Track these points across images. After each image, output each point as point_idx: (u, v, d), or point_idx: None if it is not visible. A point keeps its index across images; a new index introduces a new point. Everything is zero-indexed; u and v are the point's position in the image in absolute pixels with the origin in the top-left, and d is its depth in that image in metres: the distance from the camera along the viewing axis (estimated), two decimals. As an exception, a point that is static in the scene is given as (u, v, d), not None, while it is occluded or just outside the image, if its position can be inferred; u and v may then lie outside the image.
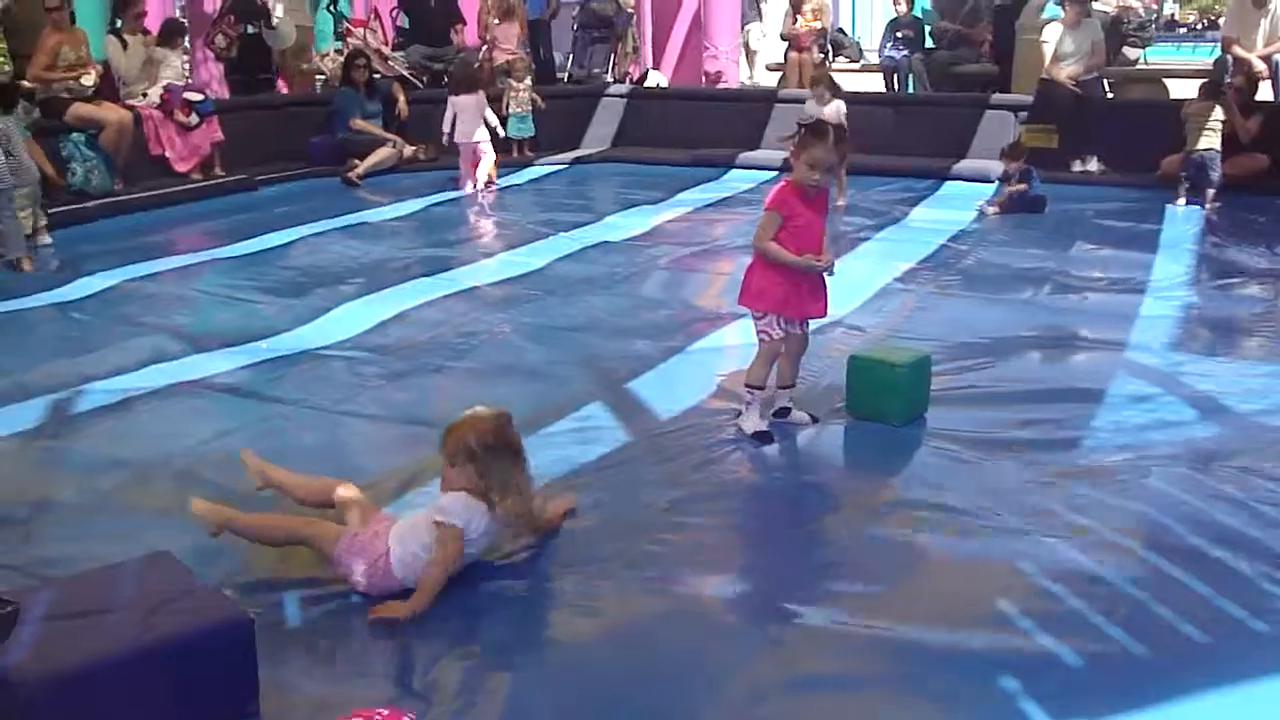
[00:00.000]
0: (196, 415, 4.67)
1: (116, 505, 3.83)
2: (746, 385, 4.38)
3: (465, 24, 13.10)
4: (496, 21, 12.39)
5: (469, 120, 10.26)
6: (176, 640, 2.56)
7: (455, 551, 3.14)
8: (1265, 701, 2.71)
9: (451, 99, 10.39)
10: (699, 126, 11.85)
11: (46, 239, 7.83)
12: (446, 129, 10.29)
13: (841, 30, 17.04)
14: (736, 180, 10.64)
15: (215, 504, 3.39)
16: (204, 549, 3.31)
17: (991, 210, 8.95)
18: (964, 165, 10.48)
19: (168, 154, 9.76)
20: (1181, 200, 9.03)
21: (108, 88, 9.63)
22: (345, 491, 3.43)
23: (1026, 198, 8.96)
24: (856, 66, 15.09)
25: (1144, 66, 13.11)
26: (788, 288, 4.29)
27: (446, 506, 3.18)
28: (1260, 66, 10.48)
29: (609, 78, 13.36)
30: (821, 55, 14.40)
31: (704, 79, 13.76)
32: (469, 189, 10.20)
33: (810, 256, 4.24)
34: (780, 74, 14.58)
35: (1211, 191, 9.01)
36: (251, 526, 3.33)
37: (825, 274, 4.34)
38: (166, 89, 9.78)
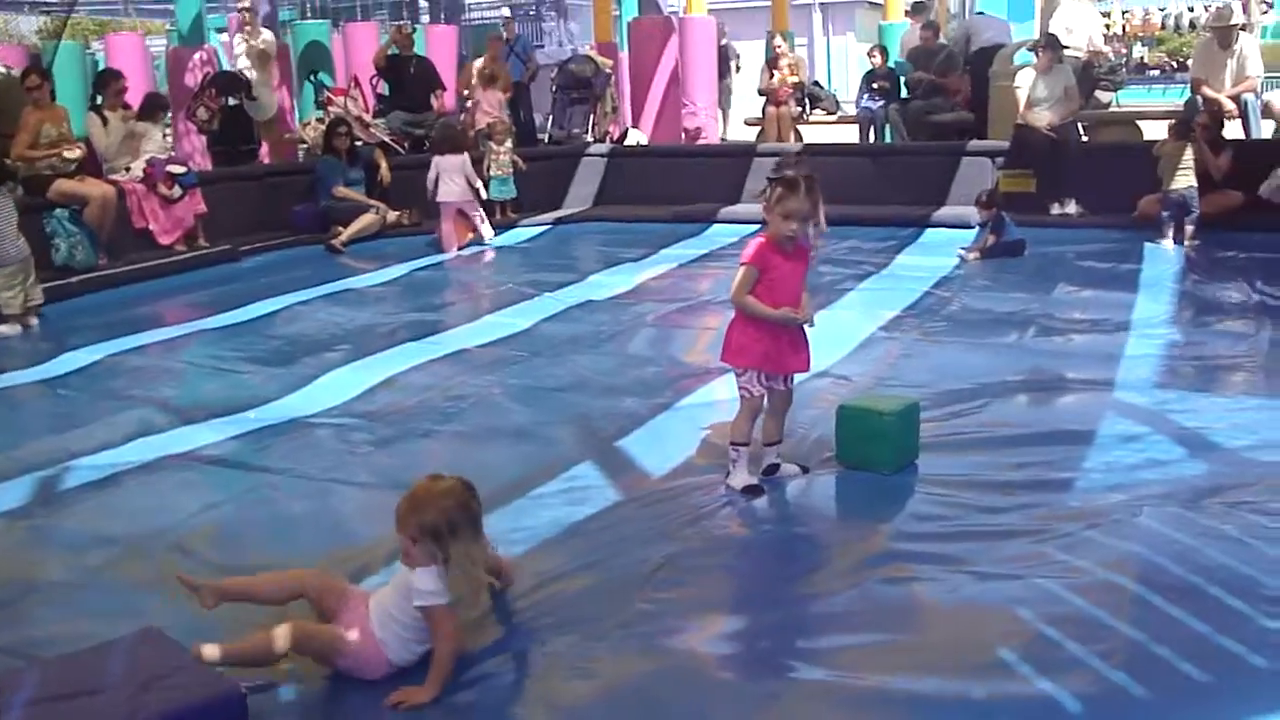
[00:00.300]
0: (185, 488, 4.64)
1: (106, 582, 3.79)
2: (731, 443, 4.37)
3: (445, 89, 13.23)
4: (481, 87, 12.53)
5: (452, 180, 10.37)
6: (167, 717, 2.53)
7: (454, 627, 3.07)
8: (1268, 739, 2.69)
9: (436, 159, 10.50)
10: (680, 183, 11.94)
11: (32, 320, 7.78)
12: (430, 187, 10.40)
13: (818, 83, 17.24)
14: (718, 235, 10.69)
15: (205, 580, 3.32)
16: (195, 624, 3.27)
17: (972, 256, 9.02)
18: (943, 212, 10.56)
19: (151, 227, 9.79)
20: (1168, 240, 9.13)
21: (90, 163, 9.68)
22: (314, 580, 3.31)
23: (1003, 244, 9.04)
24: (833, 118, 15.24)
25: (1117, 109, 13.27)
26: (767, 343, 4.29)
27: (425, 589, 3.04)
28: (1229, 106, 10.64)
29: (589, 137, 13.48)
30: (799, 109, 14.58)
31: (683, 136, 13.89)
32: (451, 251, 10.25)
33: (788, 310, 4.24)
34: (759, 128, 14.73)
35: (1191, 229, 9.12)
36: (250, 586, 3.28)
37: (805, 327, 4.34)
38: (149, 162, 9.83)
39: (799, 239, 4.25)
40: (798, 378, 4.52)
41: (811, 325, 4.35)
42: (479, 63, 12.85)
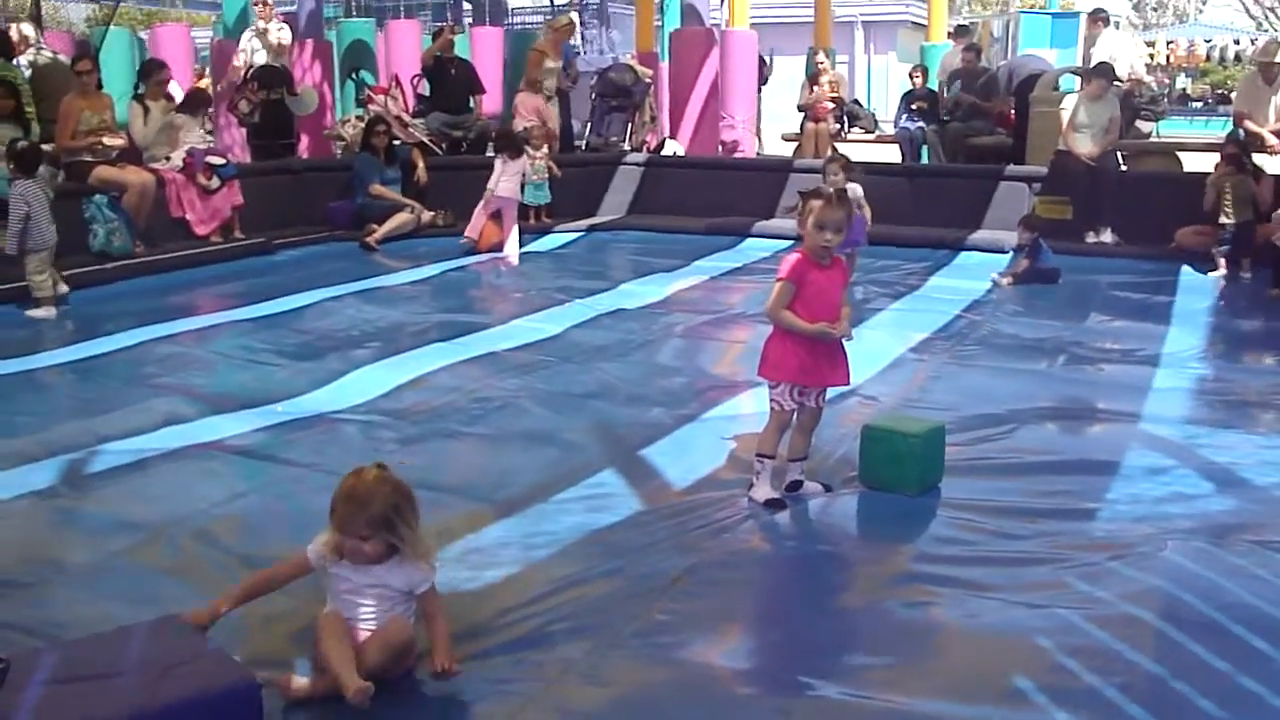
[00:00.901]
0: (210, 477, 4.67)
1: (128, 567, 3.82)
2: (757, 454, 4.37)
3: (485, 92, 13.28)
4: (525, 90, 12.64)
5: (510, 179, 10.53)
6: (182, 705, 2.55)
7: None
8: (1286, 782, 2.66)
9: (499, 160, 10.61)
10: (715, 195, 11.94)
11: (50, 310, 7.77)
12: (492, 184, 10.54)
13: (857, 101, 17.20)
14: (752, 249, 10.69)
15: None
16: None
17: (1005, 281, 8.97)
18: (979, 236, 10.52)
19: (188, 217, 9.87)
20: (1221, 269, 9.11)
21: (131, 151, 9.77)
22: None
23: (1037, 270, 8.99)
24: (872, 137, 15.21)
25: (1157, 140, 13.19)
26: (804, 356, 4.29)
27: (415, 577, 3.02)
28: (1272, 140, 10.56)
29: (626, 146, 13.50)
30: (838, 126, 14.56)
31: (720, 148, 13.89)
32: (474, 238, 10.32)
33: (824, 325, 4.24)
34: (796, 144, 14.71)
35: (1247, 260, 9.10)
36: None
37: (844, 340, 4.34)
38: (189, 153, 9.91)
39: (835, 252, 4.27)
40: (828, 394, 4.52)
41: (849, 339, 4.35)
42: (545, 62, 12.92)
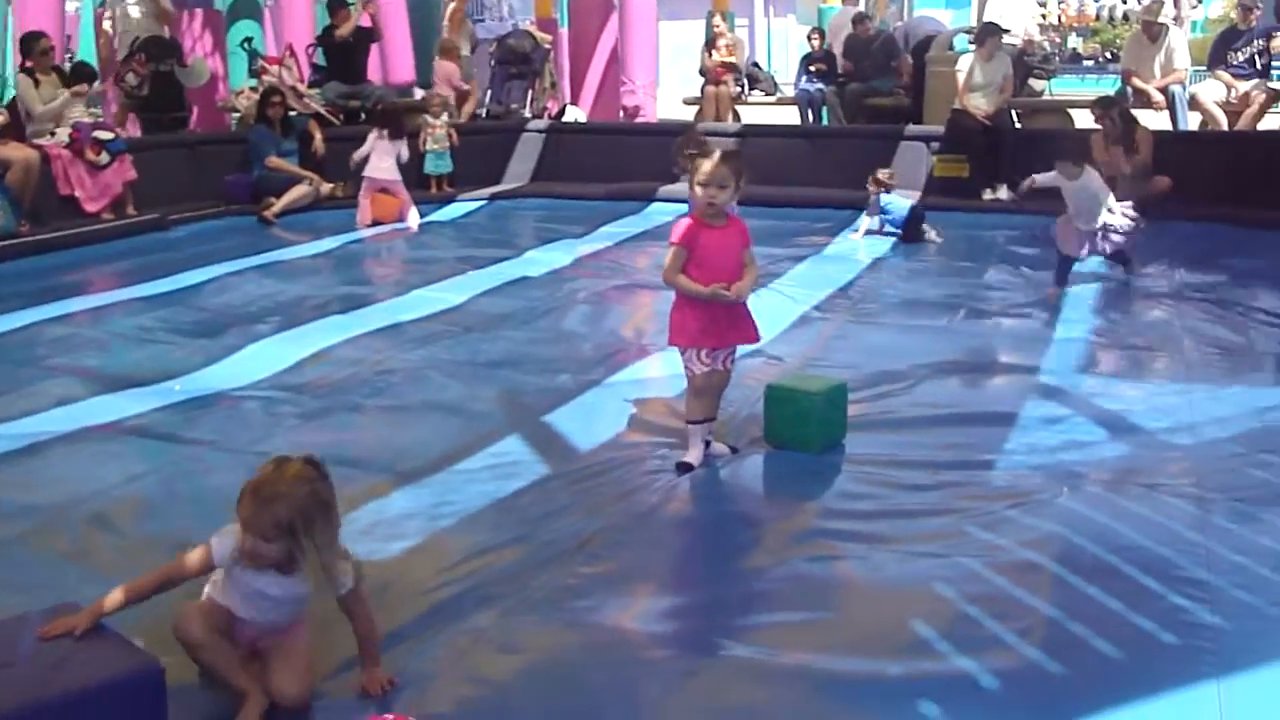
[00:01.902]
0: (107, 459, 4.56)
1: (23, 553, 3.72)
2: (686, 420, 4.39)
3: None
4: (438, 59, 12.44)
5: (382, 159, 10.29)
6: (81, 693, 2.48)
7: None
8: (1176, 712, 2.75)
9: (374, 136, 10.38)
10: (618, 161, 11.90)
11: None
12: (357, 160, 10.30)
13: (756, 64, 17.26)
14: (657, 213, 10.68)
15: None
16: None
17: (855, 236, 9.27)
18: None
19: (77, 194, 9.56)
20: None
21: (13, 127, 9.43)
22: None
23: (896, 224, 9.10)
24: (772, 100, 15.29)
25: (1050, 98, 13.44)
26: (703, 319, 4.29)
27: (340, 579, 2.80)
28: (1158, 97, 10.83)
29: (527, 113, 13.39)
30: (738, 89, 14.61)
31: (622, 113, 13.85)
32: (365, 228, 10.14)
33: (717, 286, 4.23)
34: (697, 108, 14.73)
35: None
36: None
37: (738, 301, 4.31)
38: (75, 127, 9.61)
39: (726, 210, 4.26)
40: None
41: (740, 299, 4.30)
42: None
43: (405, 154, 10.49)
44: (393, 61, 13.87)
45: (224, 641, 2.81)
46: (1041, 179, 7.23)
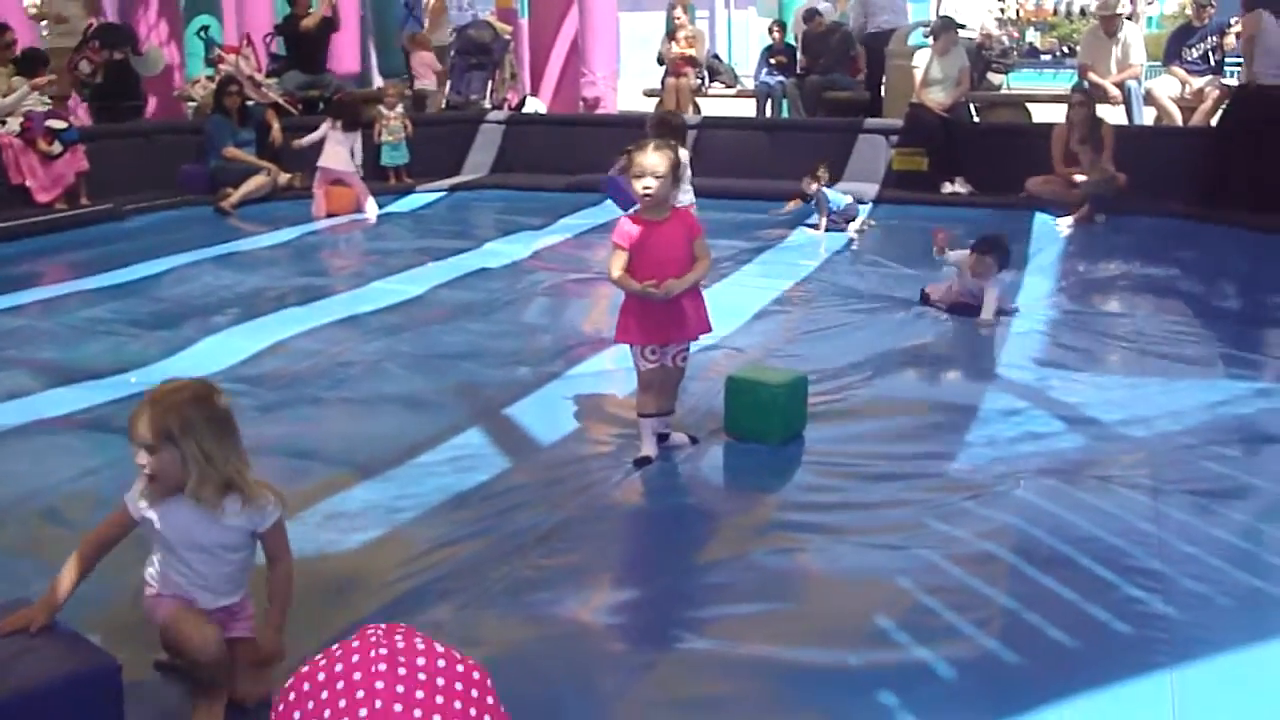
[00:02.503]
0: (59, 452, 4.50)
1: (-27, 548, 3.67)
2: (638, 415, 4.39)
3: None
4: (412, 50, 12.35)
5: (337, 148, 10.22)
6: (34, 691, 2.45)
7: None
8: (1130, 701, 2.79)
9: (328, 125, 10.29)
10: (578, 152, 11.86)
11: None
12: (305, 145, 10.25)
13: (717, 56, 17.25)
14: (616, 206, 10.65)
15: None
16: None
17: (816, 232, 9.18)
18: (840, 188, 10.65)
19: (29, 183, 9.43)
20: (1071, 217, 9.38)
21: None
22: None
23: (834, 217, 9.15)
24: (732, 92, 15.28)
25: (1008, 92, 13.54)
26: (640, 316, 4.29)
27: (258, 510, 2.72)
28: (1114, 92, 10.94)
29: (487, 104, 13.33)
30: (698, 81, 14.60)
31: (582, 105, 13.81)
32: (321, 219, 10.07)
33: (648, 284, 4.21)
34: (658, 99, 14.71)
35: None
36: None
37: (664, 298, 4.22)
38: (27, 116, 9.47)
39: (670, 202, 4.24)
40: (694, 345, 4.53)
41: (665, 297, 4.22)
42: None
43: (358, 149, 10.43)
44: (341, 51, 13.75)
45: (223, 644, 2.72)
46: (954, 255, 6.85)
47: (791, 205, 9.63)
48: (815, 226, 9.28)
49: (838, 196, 9.36)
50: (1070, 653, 2.99)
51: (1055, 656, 2.98)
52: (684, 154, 4.22)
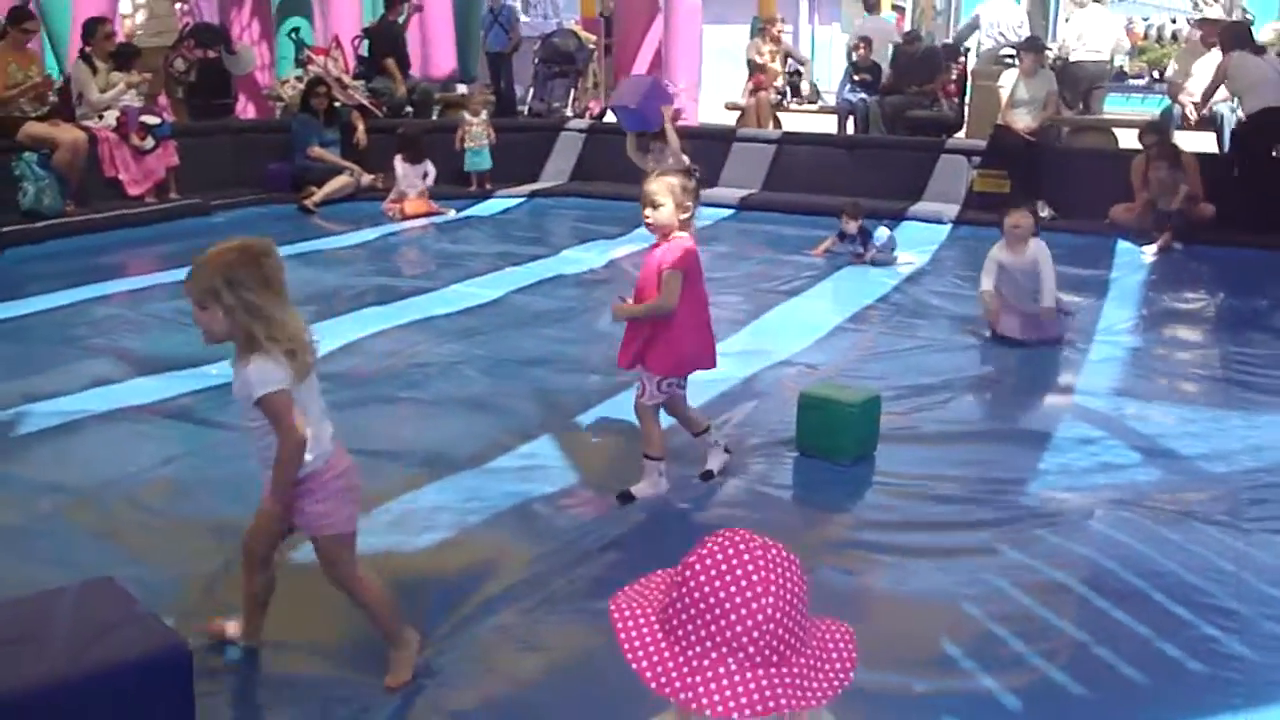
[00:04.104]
0: (141, 440, 4.61)
1: (57, 530, 3.77)
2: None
3: (410, 66, 13.05)
4: None
5: (411, 182, 10.46)
6: (110, 670, 2.51)
7: (293, 425, 2.78)
8: (1202, 744, 2.74)
9: (399, 161, 10.49)
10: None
11: None
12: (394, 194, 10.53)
13: (799, 72, 17.18)
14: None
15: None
16: (148, 578, 3.26)
17: (816, 253, 8.93)
18: (919, 207, 10.59)
19: (121, 177, 9.66)
20: (1156, 245, 9.20)
21: (63, 107, 9.54)
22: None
23: (878, 252, 8.88)
24: (814, 108, 15.22)
25: (1095, 116, 13.33)
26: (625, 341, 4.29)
27: (254, 378, 2.70)
28: (1192, 115, 10.78)
29: (569, 112, 13.40)
30: (779, 96, 14.57)
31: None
32: (392, 216, 10.27)
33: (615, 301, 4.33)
34: (740, 113, 14.70)
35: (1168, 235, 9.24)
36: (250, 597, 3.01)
37: (665, 319, 4.16)
38: (123, 111, 9.70)
39: (664, 229, 4.18)
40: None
41: (616, 319, 4.30)
42: None
43: (432, 172, 10.61)
44: (434, 55, 13.91)
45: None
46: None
47: (825, 245, 9.08)
48: (860, 256, 8.99)
49: (880, 231, 9.13)
50: (1141, 689, 2.94)
51: (1125, 692, 2.93)
52: (690, 182, 4.19)
